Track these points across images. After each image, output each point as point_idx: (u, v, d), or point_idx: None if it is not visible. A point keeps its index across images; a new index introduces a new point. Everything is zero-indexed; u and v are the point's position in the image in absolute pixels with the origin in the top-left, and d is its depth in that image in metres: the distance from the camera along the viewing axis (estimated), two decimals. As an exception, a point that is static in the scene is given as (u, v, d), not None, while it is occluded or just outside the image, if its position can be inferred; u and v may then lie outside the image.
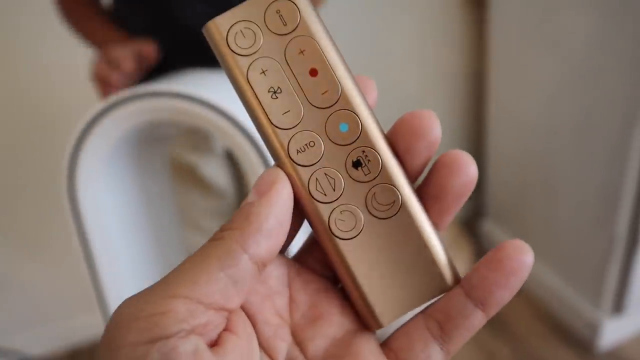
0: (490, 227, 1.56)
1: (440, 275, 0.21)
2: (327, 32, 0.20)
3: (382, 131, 0.20)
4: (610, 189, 1.05)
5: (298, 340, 0.21)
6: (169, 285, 0.18)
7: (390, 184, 0.20)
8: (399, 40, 1.42)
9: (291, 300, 0.21)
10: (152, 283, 0.19)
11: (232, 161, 0.94)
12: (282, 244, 0.19)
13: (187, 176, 0.86)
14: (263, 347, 0.20)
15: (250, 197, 0.19)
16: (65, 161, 0.49)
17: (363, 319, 0.21)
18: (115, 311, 0.18)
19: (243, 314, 0.20)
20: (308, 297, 0.22)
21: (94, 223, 0.50)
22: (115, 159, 0.53)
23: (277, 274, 0.21)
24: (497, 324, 1.33)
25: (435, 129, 0.21)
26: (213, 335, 0.18)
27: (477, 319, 0.20)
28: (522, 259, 0.21)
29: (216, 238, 0.19)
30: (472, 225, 1.64)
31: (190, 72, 0.63)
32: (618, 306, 1.16)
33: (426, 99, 1.54)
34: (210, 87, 0.53)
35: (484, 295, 0.20)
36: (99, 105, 0.49)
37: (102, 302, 0.53)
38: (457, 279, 0.21)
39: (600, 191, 1.09)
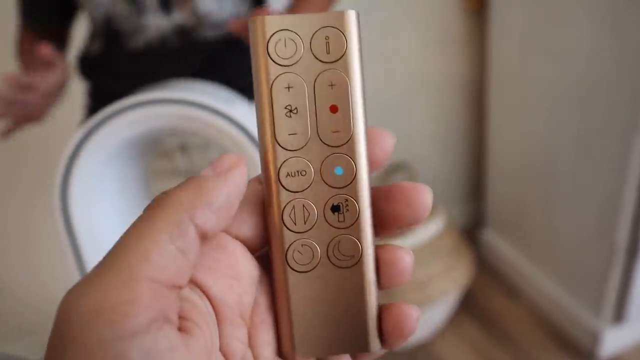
0: (490, 236, 1.56)
1: (366, 337, 0.21)
2: (362, 75, 0.20)
3: (370, 187, 0.20)
4: (610, 199, 1.06)
5: (251, 344, 0.21)
6: (123, 265, 0.16)
7: (357, 239, 0.20)
8: (398, 48, 1.43)
9: (255, 302, 0.21)
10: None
11: None
12: (226, 225, 0.19)
13: None
14: (221, 344, 0.19)
15: (206, 172, 0.19)
16: (60, 172, 0.49)
17: (281, 347, 0.21)
18: (65, 303, 0.16)
19: (208, 307, 0.19)
20: (269, 302, 0.22)
21: (86, 234, 0.50)
22: (108, 171, 0.53)
23: (252, 274, 0.21)
24: (498, 333, 1.33)
25: (427, 205, 0.21)
26: (175, 319, 0.17)
27: (381, 352, 0.22)
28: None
29: (161, 204, 0.17)
30: (472, 234, 1.64)
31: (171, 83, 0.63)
32: (618, 315, 1.16)
33: (426, 108, 1.54)
34: (211, 95, 0.54)
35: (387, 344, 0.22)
36: (97, 116, 0.49)
37: None
38: (380, 346, 0.22)
39: (600, 201, 1.09)
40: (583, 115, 1.08)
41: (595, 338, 1.19)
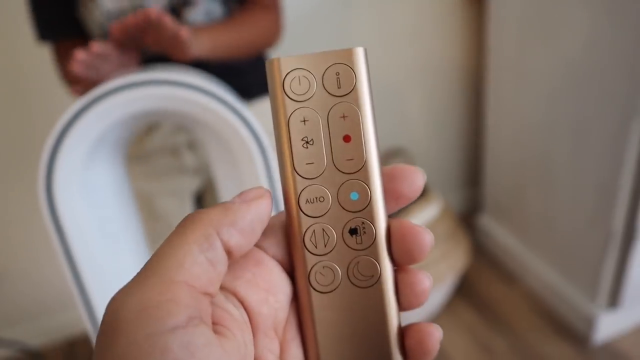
0: (487, 222, 1.57)
1: (389, 356, 0.22)
2: (372, 106, 0.22)
3: (385, 210, 0.22)
4: (607, 185, 1.06)
5: (282, 358, 0.22)
6: (162, 271, 0.18)
7: (375, 259, 0.21)
8: (396, 36, 1.43)
9: (287, 319, 0.22)
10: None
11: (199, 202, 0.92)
12: (249, 246, 0.20)
13: (141, 206, 0.81)
14: (255, 354, 0.21)
15: (234, 198, 0.21)
16: (44, 159, 0.49)
17: None
18: (114, 302, 0.18)
19: (244, 317, 0.21)
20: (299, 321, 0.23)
21: (72, 222, 0.50)
22: (94, 157, 0.53)
23: (286, 290, 0.22)
24: (494, 318, 1.34)
25: (421, 181, 0.22)
26: (209, 322, 0.19)
27: None
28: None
29: (192, 220, 0.19)
30: (469, 220, 1.65)
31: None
32: (614, 300, 1.17)
33: (424, 95, 1.54)
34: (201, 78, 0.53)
35: None
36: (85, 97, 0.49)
37: (85, 300, 0.53)
38: None
39: (597, 187, 1.09)
40: (580, 101, 1.08)
41: (590, 323, 1.20)
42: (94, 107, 0.48)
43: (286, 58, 0.21)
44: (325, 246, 0.21)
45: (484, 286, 1.46)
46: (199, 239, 0.19)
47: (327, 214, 0.21)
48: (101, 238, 0.53)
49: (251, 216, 0.20)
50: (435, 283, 1.22)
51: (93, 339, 0.54)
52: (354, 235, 0.21)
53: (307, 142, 0.21)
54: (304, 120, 0.21)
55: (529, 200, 1.35)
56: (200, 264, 0.18)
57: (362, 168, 0.21)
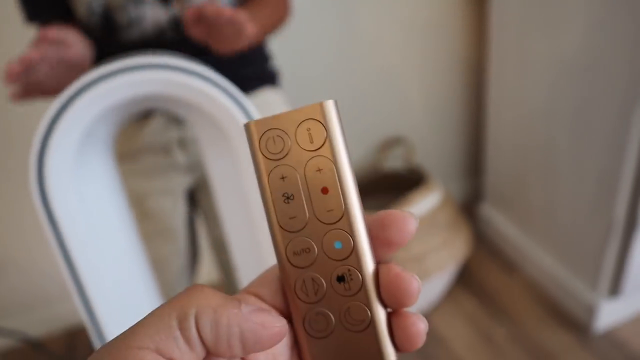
0: (488, 211, 1.56)
1: None
2: (348, 155, 0.22)
3: (373, 256, 0.22)
4: (608, 174, 1.05)
5: None
6: (135, 336, 0.19)
7: (364, 304, 0.22)
8: (398, 26, 1.41)
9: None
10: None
11: (192, 202, 0.91)
12: (224, 354, 0.21)
13: (132, 205, 0.80)
14: None
15: (248, 307, 0.21)
16: (35, 148, 0.48)
17: None
18: None
19: None
20: None
21: (65, 212, 0.50)
22: (84, 149, 0.52)
23: (288, 336, 0.23)
24: (494, 306, 1.34)
25: (413, 230, 0.22)
26: None
27: None
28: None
29: (179, 298, 0.21)
30: (470, 209, 1.64)
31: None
32: (615, 289, 1.17)
33: (425, 83, 1.53)
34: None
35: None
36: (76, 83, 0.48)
37: (80, 291, 0.52)
38: None
39: (598, 176, 1.09)
40: (581, 91, 1.07)
41: (591, 311, 1.20)
42: (88, 92, 0.48)
43: (260, 120, 0.22)
44: (315, 294, 0.22)
45: (484, 275, 1.46)
46: (179, 316, 0.20)
47: (314, 264, 0.22)
48: (94, 231, 0.53)
49: (251, 328, 0.20)
50: (436, 271, 1.22)
51: (90, 330, 0.54)
52: (342, 283, 0.22)
53: (287, 198, 0.22)
54: (283, 177, 0.22)
55: (530, 189, 1.34)
56: (175, 339, 0.20)
57: (343, 217, 0.22)
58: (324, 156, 0.22)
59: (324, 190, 0.22)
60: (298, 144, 0.22)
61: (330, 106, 0.22)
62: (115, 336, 0.20)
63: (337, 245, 0.22)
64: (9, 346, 1.49)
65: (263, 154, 0.22)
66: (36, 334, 1.47)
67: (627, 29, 0.93)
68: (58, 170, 0.49)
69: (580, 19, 1.03)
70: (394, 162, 1.52)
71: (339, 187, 0.22)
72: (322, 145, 0.22)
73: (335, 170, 0.22)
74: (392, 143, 1.51)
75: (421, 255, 1.21)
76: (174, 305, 0.20)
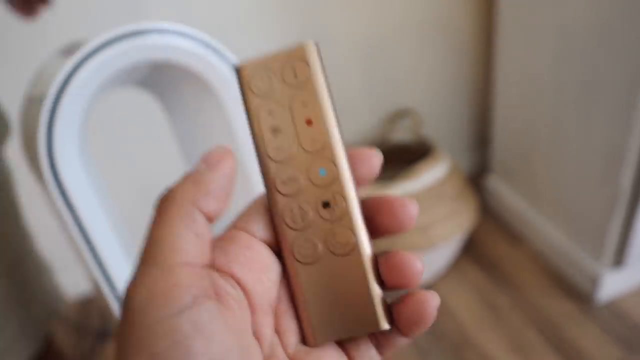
0: (495, 183, 1.57)
1: (374, 316, 0.24)
2: (329, 91, 0.24)
3: (354, 183, 0.24)
4: (615, 146, 1.06)
5: (277, 331, 0.24)
6: (159, 257, 0.20)
7: (349, 228, 0.23)
8: (408, -7, 1.40)
9: (279, 294, 0.24)
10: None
11: None
12: (226, 207, 0.23)
13: None
14: (253, 330, 0.23)
15: (199, 166, 0.23)
16: (44, 118, 0.48)
17: (303, 335, 0.25)
18: (125, 295, 0.20)
19: (241, 295, 0.22)
20: (289, 294, 0.25)
21: (72, 179, 0.50)
22: (94, 110, 0.52)
23: (275, 268, 0.24)
24: (499, 277, 1.36)
25: (413, 218, 0.23)
26: (212, 294, 0.21)
27: (404, 341, 0.25)
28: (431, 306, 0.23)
29: (170, 200, 0.22)
30: (477, 181, 1.65)
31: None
32: (619, 260, 1.18)
33: (434, 57, 1.52)
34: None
35: (408, 332, 0.24)
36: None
37: (95, 259, 0.53)
38: (390, 323, 0.24)
39: (605, 147, 1.09)
40: (590, 61, 1.06)
41: (594, 282, 1.22)
42: (95, 57, 0.48)
43: (250, 61, 0.24)
44: (302, 221, 0.24)
45: (490, 246, 1.47)
46: (183, 218, 0.21)
47: (301, 192, 0.24)
48: (98, 197, 0.54)
49: (221, 180, 0.22)
50: (441, 241, 1.23)
51: (104, 295, 0.55)
52: (327, 208, 0.23)
53: (275, 131, 0.24)
54: (270, 112, 0.24)
55: (537, 161, 1.35)
56: (190, 241, 0.21)
57: (325, 146, 0.24)
58: (308, 91, 0.24)
59: (309, 122, 0.24)
60: (284, 81, 0.24)
61: (311, 47, 0.24)
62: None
63: (322, 172, 0.24)
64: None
65: (253, 91, 0.24)
66: (50, 301, 1.51)
67: (636, 0, 0.92)
68: (66, 136, 0.49)
69: (591, -12, 1.02)
70: (402, 134, 1.52)
71: (321, 119, 0.24)
72: (306, 81, 0.24)
73: (318, 103, 0.24)
74: (399, 115, 1.51)
75: (427, 225, 1.23)
76: (170, 215, 0.21)
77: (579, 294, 1.26)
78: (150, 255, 0.20)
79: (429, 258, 1.28)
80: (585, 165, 1.17)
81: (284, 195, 0.24)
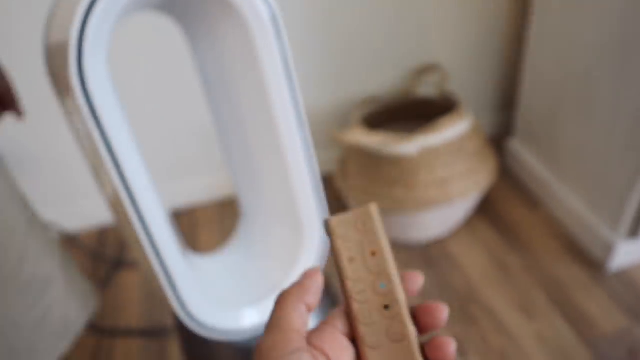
0: (516, 146, 1.55)
1: None
2: (385, 235, 0.35)
3: (405, 293, 0.34)
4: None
5: None
6: (280, 326, 0.32)
7: (401, 322, 0.33)
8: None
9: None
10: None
11: None
12: (318, 302, 0.34)
13: None
14: None
15: (303, 279, 0.34)
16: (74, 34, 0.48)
17: None
18: (257, 345, 0.32)
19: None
20: None
21: (102, 97, 0.50)
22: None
23: (352, 351, 0.33)
24: (512, 238, 1.36)
25: (445, 319, 0.33)
26: (309, 350, 0.31)
27: None
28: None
29: (285, 294, 0.34)
30: (499, 142, 1.63)
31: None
32: (635, 230, 1.17)
33: (463, 10, 1.48)
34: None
35: None
36: None
37: (121, 178, 0.53)
38: None
39: (634, 116, 1.07)
40: (627, 23, 1.03)
41: (608, 250, 1.21)
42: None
43: (335, 217, 0.36)
44: (370, 318, 0.33)
45: (506, 208, 1.47)
46: (294, 306, 0.33)
47: (369, 300, 0.34)
48: (125, 119, 0.54)
49: (315, 286, 0.34)
50: (458, 197, 1.23)
51: (127, 212, 0.56)
52: (387, 309, 0.33)
53: (351, 260, 0.35)
54: (348, 249, 0.35)
55: (562, 126, 1.32)
56: (297, 320, 0.32)
57: (385, 269, 0.34)
58: (372, 235, 0.35)
59: (373, 254, 0.35)
60: (357, 229, 0.35)
61: (373, 208, 0.36)
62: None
63: (382, 286, 0.34)
64: (45, 237, 1.58)
65: (337, 235, 0.35)
66: (70, 228, 1.55)
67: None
68: (96, 57, 0.49)
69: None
70: (427, 89, 1.50)
71: (381, 252, 0.35)
72: (371, 229, 0.35)
73: (379, 242, 0.35)
74: (426, 69, 1.49)
75: (445, 180, 1.22)
76: (288, 309, 0.33)
77: (590, 262, 1.26)
78: (274, 325, 0.32)
79: (444, 213, 1.28)
80: (612, 131, 1.14)
81: (358, 302, 0.34)
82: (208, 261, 0.77)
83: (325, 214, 0.67)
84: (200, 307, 0.60)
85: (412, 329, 0.33)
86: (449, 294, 1.23)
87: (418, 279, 0.36)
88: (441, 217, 1.30)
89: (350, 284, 0.34)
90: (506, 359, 1.07)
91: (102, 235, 1.58)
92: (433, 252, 1.36)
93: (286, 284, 0.66)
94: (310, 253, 0.67)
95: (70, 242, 1.52)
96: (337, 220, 0.36)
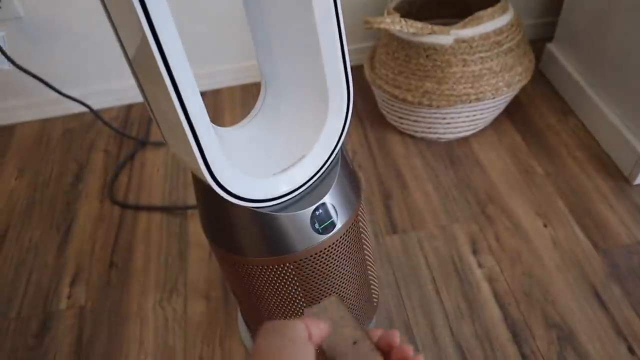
0: (556, 51, 1.48)
1: None
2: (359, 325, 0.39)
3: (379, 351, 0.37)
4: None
5: None
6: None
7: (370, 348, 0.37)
8: None
9: None
10: None
11: None
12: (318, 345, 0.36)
13: None
14: None
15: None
16: None
17: None
18: None
19: None
20: None
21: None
22: None
23: None
24: (539, 144, 1.33)
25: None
26: None
27: None
28: None
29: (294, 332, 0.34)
30: (538, 45, 1.56)
31: None
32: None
33: None
34: None
35: None
36: None
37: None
38: None
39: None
40: None
41: (636, 164, 1.18)
42: None
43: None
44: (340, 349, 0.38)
45: (536, 113, 1.43)
46: (302, 340, 0.33)
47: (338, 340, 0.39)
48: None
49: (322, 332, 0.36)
50: (488, 94, 1.20)
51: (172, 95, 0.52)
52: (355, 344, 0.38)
53: (354, 343, 0.38)
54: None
55: (608, 34, 1.25)
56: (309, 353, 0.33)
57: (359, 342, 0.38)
58: (349, 325, 0.39)
59: (354, 342, 0.38)
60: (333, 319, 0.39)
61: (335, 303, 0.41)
62: None
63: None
64: (72, 112, 1.60)
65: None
66: (96, 105, 1.56)
67: None
68: None
69: None
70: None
71: (361, 339, 0.38)
72: (344, 318, 0.39)
73: (353, 329, 0.39)
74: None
75: (478, 76, 1.18)
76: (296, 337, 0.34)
77: (616, 175, 1.24)
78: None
79: (473, 110, 1.25)
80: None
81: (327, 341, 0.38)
82: (233, 133, 0.77)
83: (352, 89, 0.65)
84: (228, 174, 0.60)
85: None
86: (469, 192, 1.23)
87: (394, 338, 0.38)
88: (469, 114, 1.27)
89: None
90: (518, 260, 1.08)
91: (128, 114, 1.60)
92: (457, 150, 1.34)
93: (311, 153, 0.66)
94: (335, 122, 0.66)
95: (96, 120, 1.54)
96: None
